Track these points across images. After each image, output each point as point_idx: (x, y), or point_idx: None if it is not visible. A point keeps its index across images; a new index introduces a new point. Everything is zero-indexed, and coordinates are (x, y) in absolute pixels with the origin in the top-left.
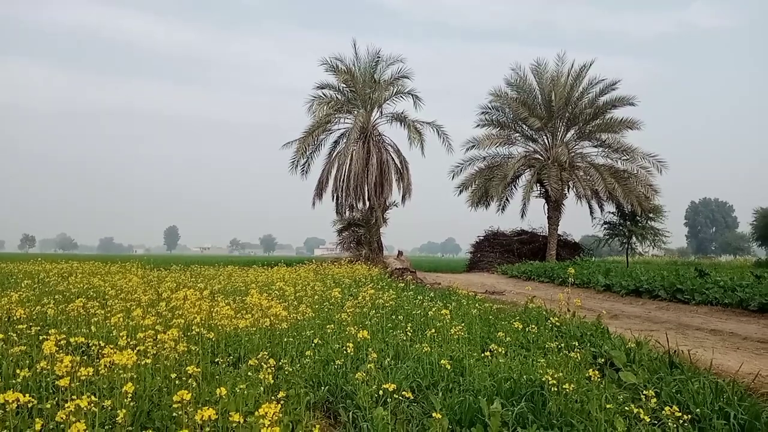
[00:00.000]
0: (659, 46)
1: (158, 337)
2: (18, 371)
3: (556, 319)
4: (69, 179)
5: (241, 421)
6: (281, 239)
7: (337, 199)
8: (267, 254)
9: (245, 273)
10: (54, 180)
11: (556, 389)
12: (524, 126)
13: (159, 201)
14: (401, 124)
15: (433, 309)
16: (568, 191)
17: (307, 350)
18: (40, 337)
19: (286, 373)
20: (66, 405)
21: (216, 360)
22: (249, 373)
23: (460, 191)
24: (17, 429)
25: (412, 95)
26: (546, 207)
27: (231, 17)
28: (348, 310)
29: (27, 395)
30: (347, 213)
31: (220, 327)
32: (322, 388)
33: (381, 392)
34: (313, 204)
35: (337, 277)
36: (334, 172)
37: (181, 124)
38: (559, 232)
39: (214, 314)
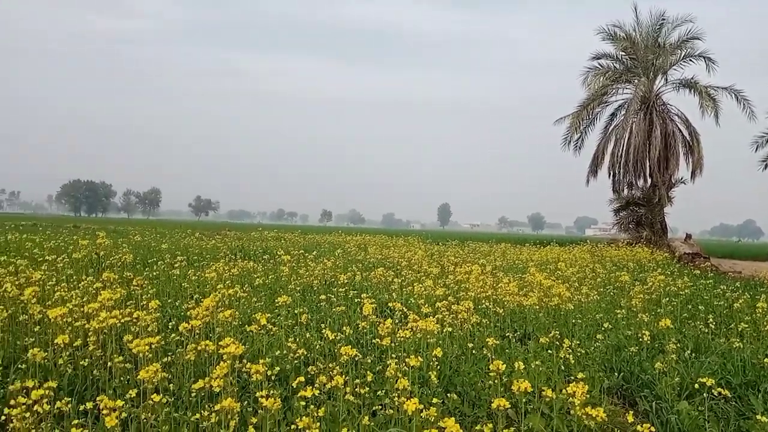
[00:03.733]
0: None
1: (452, 308)
2: (345, 328)
3: None
4: (357, 163)
5: (554, 396)
6: (550, 218)
7: (614, 176)
8: (535, 232)
9: (519, 251)
10: (344, 164)
11: None
12: None
13: (434, 180)
14: (690, 90)
15: (740, 300)
16: None
17: (596, 333)
18: (356, 300)
19: (578, 354)
20: (388, 362)
21: (505, 334)
22: (538, 350)
23: (766, 166)
24: (352, 377)
25: (703, 58)
26: None
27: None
28: (637, 296)
29: (351, 349)
30: (625, 191)
31: (504, 303)
32: (615, 374)
33: (684, 385)
34: (587, 182)
35: (616, 259)
36: (610, 147)
37: (453, 109)
38: None
39: (497, 290)
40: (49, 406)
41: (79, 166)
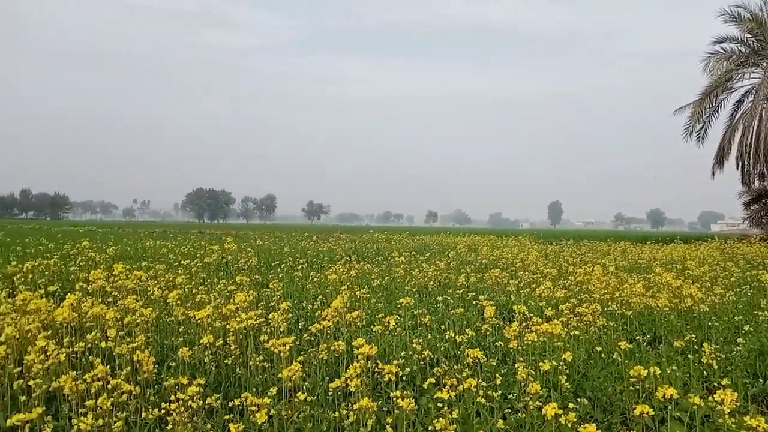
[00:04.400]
0: None
1: (576, 310)
2: (467, 330)
3: None
4: (462, 162)
5: (701, 404)
6: (670, 213)
7: (743, 167)
8: (654, 229)
9: (640, 249)
10: (449, 164)
11: None
12: None
13: (543, 177)
14: None
15: None
16: None
17: (735, 337)
18: (473, 302)
19: (717, 359)
20: (516, 365)
21: (634, 338)
22: (671, 355)
23: None
24: (480, 379)
25: None
26: None
27: None
28: None
29: (478, 351)
30: (756, 183)
31: (631, 304)
32: (760, 380)
33: None
34: (713, 174)
35: (749, 256)
36: (737, 136)
37: (562, 103)
38: None
39: (622, 291)
40: (201, 402)
41: (201, 175)
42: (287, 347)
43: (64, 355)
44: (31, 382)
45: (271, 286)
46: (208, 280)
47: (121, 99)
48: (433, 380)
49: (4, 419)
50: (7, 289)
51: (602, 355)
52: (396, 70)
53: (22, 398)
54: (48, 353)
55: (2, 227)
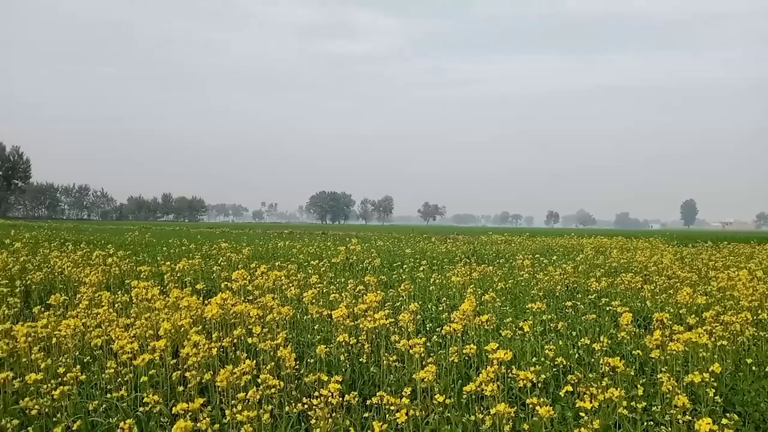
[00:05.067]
0: None
1: (722, 318)
2: (602, 338)
3: None
4: (585, 162)
5: None
6: None
7: None
8: None
9: None
10: (571, 163)
11: None
12: None
13: (674, 175)
14: None
15: None
16: None
17: None
18: (606, 308)
19: None
20: (658, 376)
21: None
22: None
23: None
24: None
25: None
26: None
27: None
28: None
29: (617, 360)
30: None
31: None
32: None
33: None
34: None
35: None
36: None
37: (693, 93)
38: None
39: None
40: (340, 399)
41: (324, 178)
42: (420, 348)
43: (215, 349)
44: (187, 374)
45: (402, 287)
46: (336, 280)
47: (257, 109)
48: (570, 388)
49: (166, 406)
50: (158, 287)
51: (753, 368)
52: (507, 65)
53: (179, 388)
54: (199, 347)
55: (148, 229)
